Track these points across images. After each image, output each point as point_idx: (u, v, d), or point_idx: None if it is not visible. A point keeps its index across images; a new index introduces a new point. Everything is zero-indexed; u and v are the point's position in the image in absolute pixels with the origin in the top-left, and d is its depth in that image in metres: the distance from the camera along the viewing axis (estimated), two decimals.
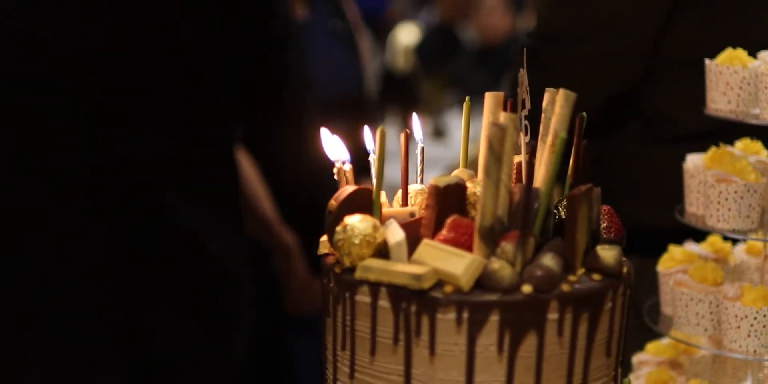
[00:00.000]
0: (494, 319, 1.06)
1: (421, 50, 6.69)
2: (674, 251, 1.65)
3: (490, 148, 1.06)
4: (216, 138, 2.17)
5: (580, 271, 1.13)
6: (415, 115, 1.34)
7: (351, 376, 1.13)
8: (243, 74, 2.20)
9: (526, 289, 1.07)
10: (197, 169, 2.14)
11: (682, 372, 1.64)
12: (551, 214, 1.16)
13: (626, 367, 1.67)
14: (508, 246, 1.09)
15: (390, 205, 1.25)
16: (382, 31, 7.68)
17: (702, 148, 1.64)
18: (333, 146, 1.23)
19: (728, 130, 1.68)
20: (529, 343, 1.08)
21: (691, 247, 1.68)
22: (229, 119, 2.21)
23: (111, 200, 2.07)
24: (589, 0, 2.08)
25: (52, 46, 2.01)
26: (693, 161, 1.64)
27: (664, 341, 1.70)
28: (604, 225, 1.20)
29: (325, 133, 1.24)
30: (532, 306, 1.07)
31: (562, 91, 1.15)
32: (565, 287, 1.09)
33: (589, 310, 1.10)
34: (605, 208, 1.20)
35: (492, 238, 1.09)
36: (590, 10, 2.08)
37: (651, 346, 1.70)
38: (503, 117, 1.11)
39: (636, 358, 1.69)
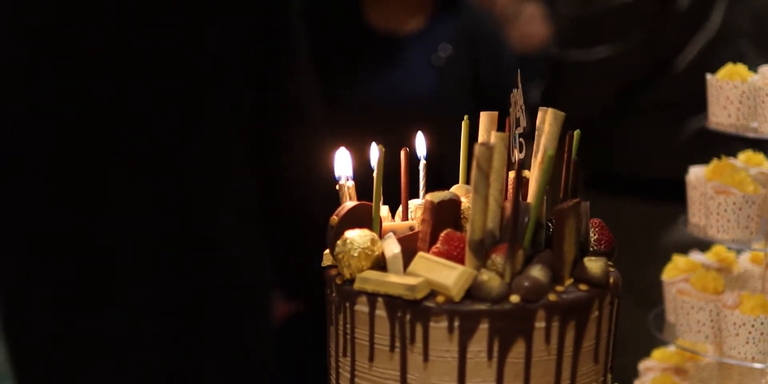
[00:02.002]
0: (484, 327, 1.12)
1: None
2: (678, 261, 1.70)
3: (478, 166, 1.12)
4: (230, 144, 2.21)
5: (568, 281, 1.18)
6: (419, 133, 1.39)
7: (352, 381, 1.19)
8: (253, 79, 2.23)
9: (515, 299, 1.13)
10: (211, 173, 2.19)
11: (686, 378, 1.69)
12: (543, 227, 1.22)
13: (633, 374, 1.73)
14: (497, 258, 1.15)
15: (392, 219, 1.32)
16: None
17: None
18: (340, 163, 1.29)
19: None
20: (518, 349, 1.13)
21: (695, 256, 1.73)
22: (243, 125, 2.24)
23: (117, 202, 2.12)
24: (600, 16, 2.81)
25: (55, 46, 2.06)
26: (695, 173, 1.69)
27: (671, 348, 1.74)
28: (595, 237, 1.25)
29: (340, 150, 1.29)
30: (519, 315, 1.13)
31: (551, 111, 1.21)
32: (552, 297, 1.14)
33: (576, 318, 1.16)
34: (596, 221, 1.26)
35: (482, 251, 1.15)
36: (603, 24, 2.82)
37: (657, 353, 1.75)
38: (493, 136, 1.17)
39: (642, 365, 1.74)
